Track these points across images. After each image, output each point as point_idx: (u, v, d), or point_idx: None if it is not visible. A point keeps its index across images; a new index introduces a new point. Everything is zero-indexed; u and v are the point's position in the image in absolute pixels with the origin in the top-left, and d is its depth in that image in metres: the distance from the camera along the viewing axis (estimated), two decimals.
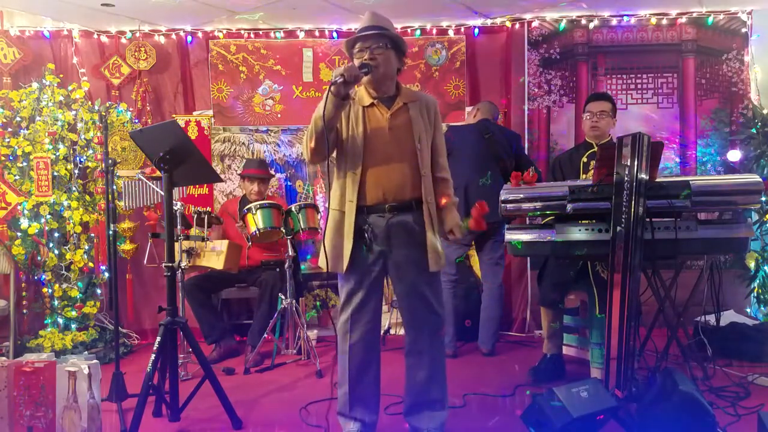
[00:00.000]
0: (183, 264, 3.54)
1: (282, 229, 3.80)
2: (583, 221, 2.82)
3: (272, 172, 4.61)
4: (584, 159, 3.41)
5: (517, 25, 4.65)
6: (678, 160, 4.62)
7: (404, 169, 2.37)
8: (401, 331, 4.40)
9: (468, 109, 4.61)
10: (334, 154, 2.44)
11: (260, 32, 4.71)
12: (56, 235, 4.18)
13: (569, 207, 2.70)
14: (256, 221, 3.76)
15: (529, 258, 4.41)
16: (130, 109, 4.57)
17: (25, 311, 4.16)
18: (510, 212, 2.87)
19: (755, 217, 4.14)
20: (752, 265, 4.26)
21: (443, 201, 2.47)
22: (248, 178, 4.25)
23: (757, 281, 4.26)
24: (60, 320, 4.15)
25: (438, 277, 2.47)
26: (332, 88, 2.17)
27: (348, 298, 2.41)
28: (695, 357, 3.35)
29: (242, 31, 4.70)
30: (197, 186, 4.62)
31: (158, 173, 2.85)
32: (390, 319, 4.40)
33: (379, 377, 2.51)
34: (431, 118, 2.46)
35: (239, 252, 3.93)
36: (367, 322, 2.41)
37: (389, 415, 2.79)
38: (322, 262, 2.37)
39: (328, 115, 2.20)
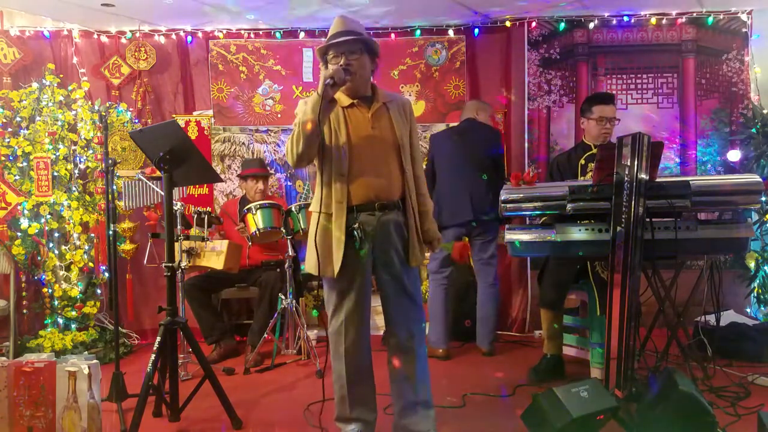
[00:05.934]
0: (183, 264, 3.54)
1: (282, 229, 3.80)
2: (583, 221, 2.82)
3: (272, 171, 4.62)
4: (582, 161, 3.38)
5: (517, 25, 4.65)
6: (678, 160, 4.61)
7: (390, 166, 2.38)
8: None
9: None
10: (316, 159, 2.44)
11: (260, 32, 4.71)
12: (56, 235, 4.19)
13: (569, 207, 2.70)
14: (256, 221, 3.77)
15: (529, 258, 4.41)
16: (130, 109, 4.57)
17: (25, 311, 4.16)
18: (510, 212, 2.87)
19: (755, 217, 4.14)
20: (752, 265, 4.25)
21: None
22: (252, 177, 4.25)
23: (757, 281, 4.26)
24: (60, 320, 4.15)
25: (416, 273, 2.49)
26: (320, 91, 2.19)
27: (340, 300, 2.40)
28: (695, 357, 3.35)
29: (242, 31, 4.70)
30: (197, 186, 4.62)
31: (158, 173, 2.85)
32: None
33: (373, 376, 2.50)
34: (408, 117, 2.49)
35: (239, 252, 3.93)
36: (360, 322, 2.41)
37: (389, 415, 2.78)
38: (309, 266, 2.39)
39: (321, 117, 2.21)
